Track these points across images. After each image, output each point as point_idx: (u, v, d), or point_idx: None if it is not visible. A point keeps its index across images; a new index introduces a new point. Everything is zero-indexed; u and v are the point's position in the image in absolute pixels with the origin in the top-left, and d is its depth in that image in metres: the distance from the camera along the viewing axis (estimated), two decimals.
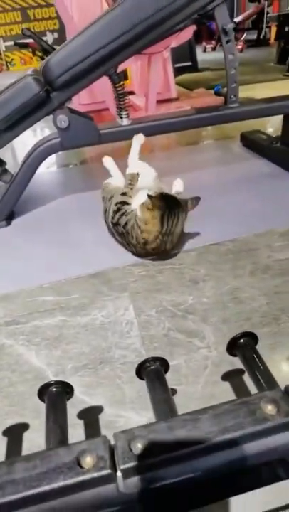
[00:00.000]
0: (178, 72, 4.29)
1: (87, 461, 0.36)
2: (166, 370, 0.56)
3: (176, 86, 3.54)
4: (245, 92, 3.62)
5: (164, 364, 0.56)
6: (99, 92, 2.82)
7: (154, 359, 0.57)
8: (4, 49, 7.62)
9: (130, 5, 1.11)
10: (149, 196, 1.02)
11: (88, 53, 1.14)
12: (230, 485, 0.41)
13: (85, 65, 1.17)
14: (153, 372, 0.53)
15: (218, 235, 1.24)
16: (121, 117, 1.41)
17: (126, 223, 1.09)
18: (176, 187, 1.20)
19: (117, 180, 1.28)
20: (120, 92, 1.36)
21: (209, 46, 6.87)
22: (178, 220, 1.05)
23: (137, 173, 1.16)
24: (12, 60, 7.81)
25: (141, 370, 0.55)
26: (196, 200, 1.08)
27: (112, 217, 1.14)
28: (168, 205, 1.03)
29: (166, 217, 1.02)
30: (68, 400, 0.57)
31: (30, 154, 1.39)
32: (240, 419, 0.37)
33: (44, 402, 0.53)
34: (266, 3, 6.04)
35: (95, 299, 1.05)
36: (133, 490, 0.35)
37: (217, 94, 1.61)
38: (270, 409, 0.38)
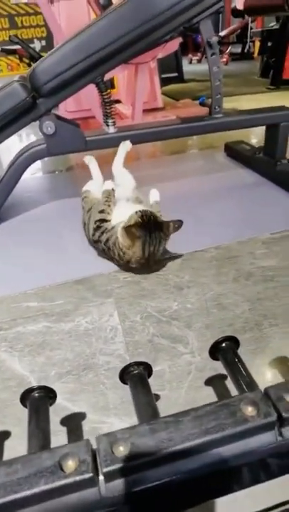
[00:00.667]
0: (164, 82, 4.34)
1: (69, 464, 0.36)
2: (149, 375, 0.56)
3: (162, 96, 3.59)
4: (230, 103, 3.72)
5: (147, 368, 0.56)
6: (85, 100, 2.83)
7: (138, 363, 0.57)
8: None
9: (117, 16, 1.13)
10: (129, 227, 0.99)
11: (75, 61, 1.16)
12: (212, 487, 0.42)
13: (72, 72, 1.18)
14: (136, 376, 0.54)
15: (203, 242, 1.26)
16: (107, 125, 1.42)
17: (107, 240, 1.09)
18: (153, 197, 1.21)
19: (96, 184, 1.30)
20: (107, 100, 1.37)
21: (195, 58, 7.00)
22: (159, 243, 1.03)
23: (112, 189, 1.17)
24: None
25: (124, 375, 0.56)
26: (179, 223, 1.04)
27: (93, 235, 1.15)
28: (149, 230, 1.00)
29: (148, 243, 1.00)
30: (51, 405, 0.57)
31: (16, 159, 1.38)
32: (221, 421, 0.38)
33: (26, 407, 0.52)
34: (250, 18, 6.21)
35: (80, 305, 1.04)
36: (115, 493, 0.36)
37: (202, 104, 1.65)
38: (250, 410, 0.39)
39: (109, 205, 1.16)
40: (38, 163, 2.17)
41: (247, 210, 1.49)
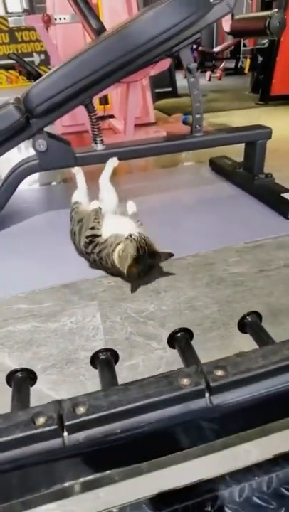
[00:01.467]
0: (158, 97, 4.51)
1: (40, 420, 0.46)
2: (116, 361, 0.67)
3: (155, 111, 3.74)
4: (220, 118, 3.85)
5: (114, 355, 0.67)
6: (80, 115, 2.97)
7: (106, 350, 0.67)
8: None
9: (102, 47, 1.26)
10: (128, 266, 1.05)
11: (64, 87, 1.28)
12: (155, 445, 0.52)
13: (62, 96, 1.30)
14: (104, 361, 0.64)
15: (182, 250, 1.37)
16: (96, 143, 1.54)
17: (100, 251, 1.18)
18: (130, 208, 1.31)
19: (82, 193, 1.41)
20: (94, 120, 1.50)
21: None
22: (152, 270, 1.12)
23: (99, 208, 1.28)
24: None
25: (94, 360, 0.66)
26: (169, 255, 1.15)
27: (85, 247, 1.24)
28: (143, 259, 1.07)
29: (142, 272, 1.09)
30: (32, 386, 0.66)
31: (10, 174, 1.50)
32: (161, 388, 0.48)
33: (11, 386, 0.62)
34: None
35: (66, 307, 1.15)
36: (75, 443, 0.46)
37: (184, 123, 1.78)
38: (185, 381, 0.49)
39: (98, 222, 1.26)
40: (34, 175, 2.28)
41: (224, 221, 1.60)
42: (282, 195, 1.62)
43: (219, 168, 2.06)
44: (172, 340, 0.66)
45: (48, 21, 2.45)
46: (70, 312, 1.12)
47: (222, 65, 7.04)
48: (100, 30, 2.15)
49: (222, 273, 1.25)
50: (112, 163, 1.51)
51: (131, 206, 1.31)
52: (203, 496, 0.61)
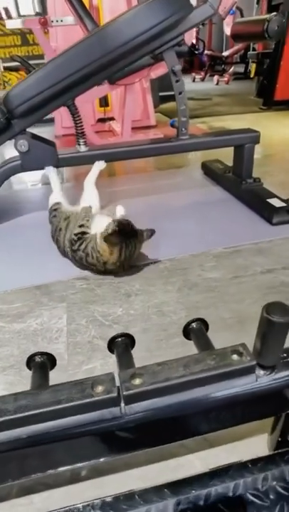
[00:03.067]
0: (162, 100, 4.49)
1: None
2: (52, 365, 0.66)
3: (157, 114, 3.73)
4: (221, 122, 3.80)
5: (50, 359, 0.66)
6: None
7: (42, 353, 0.67)
8: (2, 69, 7.88)
9: (80, 49, 1.26)
10: (106, 235, 1.13)
11: (43, 88, 1.28)
12: (67, 453, 0.50)
13: (41, 97, 1.30)
14: (39, 363, 0.64)
15: (162, 254, 1.36)
16: (79, 144, 1.54)
17: (86, 247, 1.21)
18: (119, 211, 1.33)
19: (58, 193, 1.42)
20: (78, 121, 1.49)
21: (198, 77, 7.18)
22: (134, 248, 1.20)
23: (90, 206, 1.30)
24: (9, 79, 8.06)
25: (30, 362, 0.65)
26: (151, 232, 1.23)
27: (72, 245, 1.25)
28: (125, 236, 1.16)
29: (124, 248, 1.17)
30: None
31: None
32: (72, 395, 0.47)
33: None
34: None
35: (34, 308, 1.14)
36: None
37: (172, 126, 1.77)
38: (99, 388, 0.48)
39: (88, 220, 1.27)
40: (37, 175, 2.28)
41: (209, 225, 1.59)
42: (267, 200, 1.60)
43: (210, 171, 2.04)
44: (111, 345, 0.65)
45: (45, 24, 2.46)
46: (37, 313, 1.12)
47: (231, 69, 7.00)
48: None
49: (196, 278, 1.23)
50: (99, 166, 1.51)
51: (120, 210, 1.33)
52: (138, 508, 0.59)
